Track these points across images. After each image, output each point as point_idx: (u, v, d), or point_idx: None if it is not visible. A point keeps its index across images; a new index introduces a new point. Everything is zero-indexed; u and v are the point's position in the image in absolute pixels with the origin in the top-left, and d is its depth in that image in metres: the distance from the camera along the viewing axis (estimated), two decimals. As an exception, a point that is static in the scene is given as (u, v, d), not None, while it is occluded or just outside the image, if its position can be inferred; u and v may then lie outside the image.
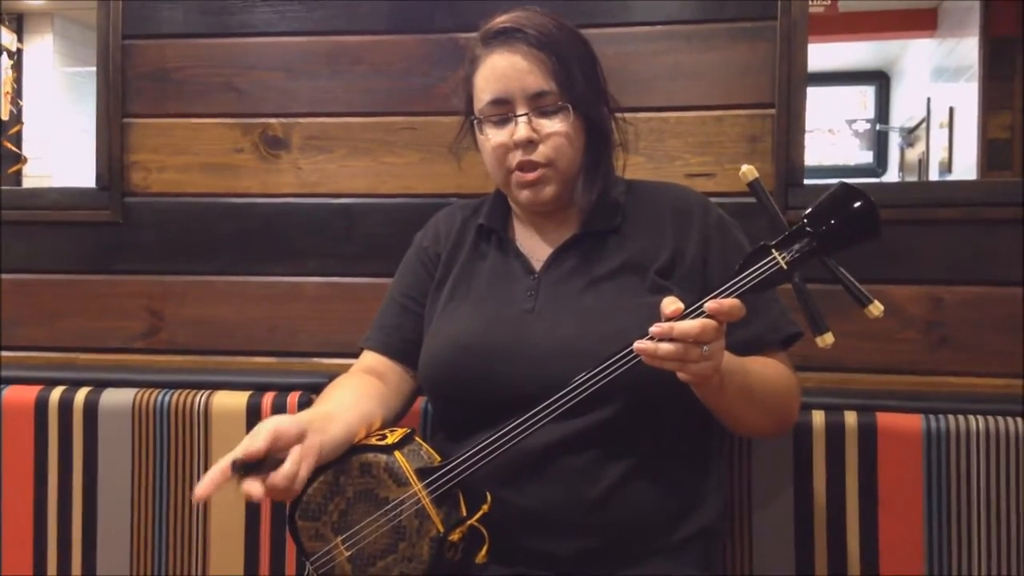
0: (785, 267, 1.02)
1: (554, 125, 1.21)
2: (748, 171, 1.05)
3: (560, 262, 1.25)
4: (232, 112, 1.74)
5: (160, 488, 1.52)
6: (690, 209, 1.27)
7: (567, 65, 1.21)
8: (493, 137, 1.23)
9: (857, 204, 1.02)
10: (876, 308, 1.01)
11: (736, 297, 1.01)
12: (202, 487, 1.00)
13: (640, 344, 1.01)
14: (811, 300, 1.01)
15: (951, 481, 1.34)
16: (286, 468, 1.03)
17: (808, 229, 1.02)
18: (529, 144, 1.20)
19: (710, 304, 1.00)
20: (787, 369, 1.23)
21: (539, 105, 1.21)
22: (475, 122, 1.26)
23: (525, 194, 1.23)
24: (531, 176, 1.21)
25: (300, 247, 1.72)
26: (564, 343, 1.15)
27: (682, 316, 1.01)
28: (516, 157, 1.21)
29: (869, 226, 1.02)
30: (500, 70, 1.21)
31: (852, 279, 1.02)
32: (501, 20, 1.23)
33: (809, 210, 1.03)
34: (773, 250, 1.02)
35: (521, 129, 1.20)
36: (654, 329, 1.00)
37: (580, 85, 1.22)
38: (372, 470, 1.10)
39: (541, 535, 1.14)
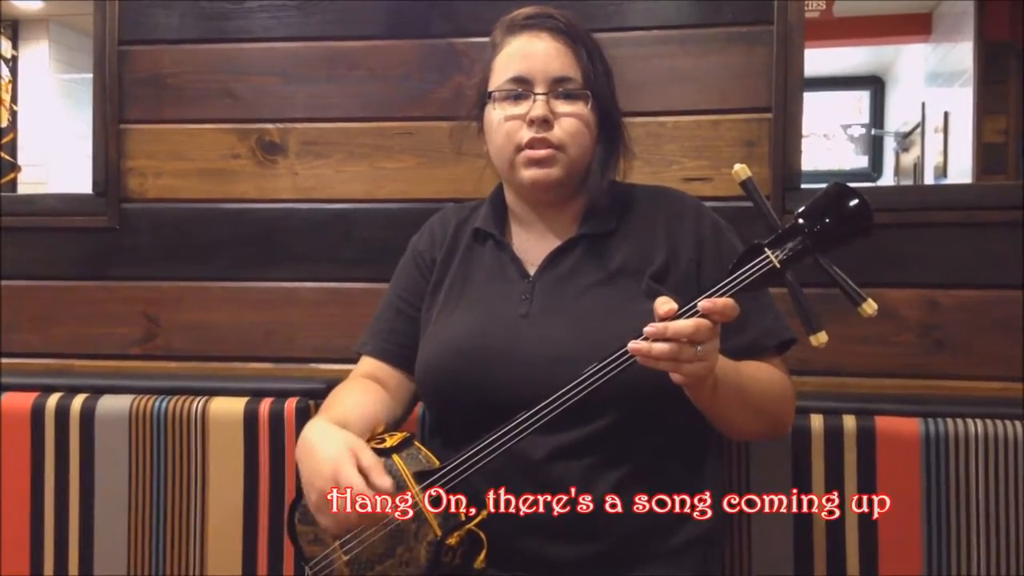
0: (778, 265, 1.01)
1: (572, 108, 1.21)
2: (741, 170, 1.05)
3: (555, 266, 1.25)
4: (228, 117, 1.74)
5: (157, 495, 1.52)
6: (684, 213, 1.27)
7: (592, 58, 1.22)
8: (507, 110, 1.22)
9: (852, 203, 1.02)
10: (870, 307, 1.00)
11: (730, 297, 1.01)
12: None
13: (634, 344, 1.01)
14: (804, 299, 1.01)
15: (950, 485, 1.34)
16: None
17: (804, 228, 1.02)
18: (544, 123, 1.19)
19: (704, 303, 1.00)
20: (781, 373, 1.23)
21: (559, 89, 1.21)
22: (488, 97, 1.24)
23: (531, 172, 1.21)
24: (541, 153, 1.20)
25: (297, 252, 1.72)
26: (558, 348, 1.15)
27: (676, 316, 1.00)
28: (528, 134, 1.20)
29: (862, 225, 1.02)
30: (525, 51, 1.22)
31: (846, 278, 1.01)
32: (528, 9, 1.24)
33: (803, 208, 1.03)
34: (766, 249, 1.02)
35: (538, 107, 1.19)
36: (648, 329, 1.00)
37: (602, 80, 1.23)
38: (370, 474, 1.10)
39: (539, 540, 1.14)
